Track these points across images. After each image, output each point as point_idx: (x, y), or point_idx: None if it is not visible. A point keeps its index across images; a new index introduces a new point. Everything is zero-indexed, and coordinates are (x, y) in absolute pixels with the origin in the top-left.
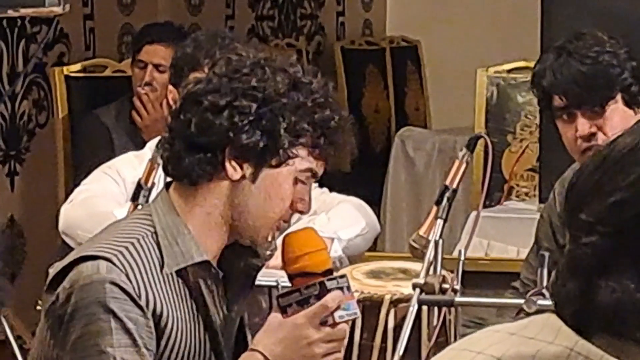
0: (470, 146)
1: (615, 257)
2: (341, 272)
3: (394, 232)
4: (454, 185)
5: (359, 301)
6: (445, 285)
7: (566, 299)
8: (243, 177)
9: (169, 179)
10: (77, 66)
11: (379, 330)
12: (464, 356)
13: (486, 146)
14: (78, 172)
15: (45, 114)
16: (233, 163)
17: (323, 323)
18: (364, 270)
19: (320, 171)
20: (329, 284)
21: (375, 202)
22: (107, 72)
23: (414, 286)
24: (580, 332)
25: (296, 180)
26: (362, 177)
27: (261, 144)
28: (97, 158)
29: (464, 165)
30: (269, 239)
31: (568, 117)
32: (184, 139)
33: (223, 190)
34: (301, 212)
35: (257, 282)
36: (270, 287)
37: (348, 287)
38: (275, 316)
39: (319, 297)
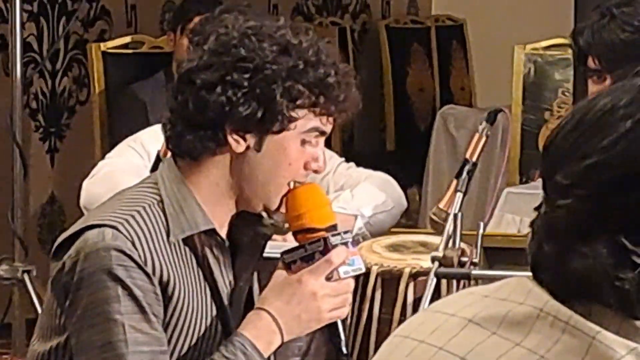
0: (490, 119)
1: (590, 221)
2: (362, 245)
3: None
4: (474, 159)
5: (378, 274)
6: (464, 259)
7: (542, 263)
8: (248, 147)
9: None
10: (115, 42)
11: (398, 303)
12: (437, 318)
13: (525, 121)
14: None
15: (86, 90)
16: (235, 136)
17: (328, 279)
18: (384, 243)
19: (327, 129)
20: (333, 240)
21: (418, 180)
22: (145, 48)
23: (433, 259)
24: (555, 295)
25: (303, 142)
26: (406, 155)
27: (259, 114)
28: (133, 133)
29: (483, 139)
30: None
31: (598, 78)
32: (183, 118)
33: (228, 162)
34: (316, 171)
35: (274, 255)
36: None
37: (353, 243)
38: (280, 273)
39: (323, 253)
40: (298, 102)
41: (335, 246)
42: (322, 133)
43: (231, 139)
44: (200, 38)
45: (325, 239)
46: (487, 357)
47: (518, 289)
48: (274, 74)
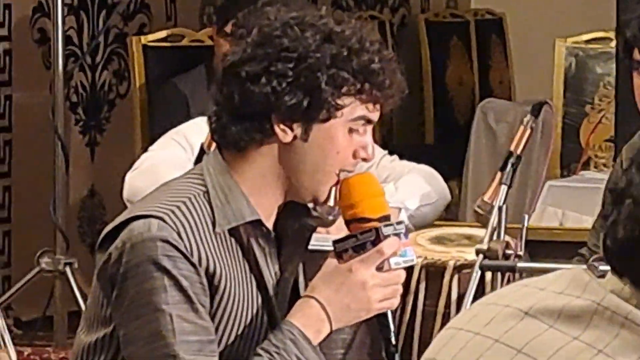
0: (535, 112)
1: None
2: None
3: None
4: (519, 152)
5: (422, 267)
6: (509, 251)
7: (635, 255)
8: (295, 137)
9: None
10: (155, 35)
11: (443, 296)
12: (491, 310)
13: (566, 114)
14: (155, 141)
15: (126, 84)
16: (282, 126)
17: (379, 269)
18: (428, 236)
19: (374, 116)
20: (385, 230)
21: (458, 174)
22: (185, 42)
23: (477, 252)
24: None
25: (351, 130)
26: (445, 149)
27: (305, 103)
28: (173, 126)
29: (528, 131)
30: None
31: None
32: (229, 110)
33: (275, 152)
34: (365, 160)
35: (320, 247)
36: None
37: (405, 234)
38: (330, 262)
39: (374, 243)
40: (343, 90)
41: (387, 237)
42: (369, 121)
43: (278, 129)
44: (244, 31)
45: (377, 229)
46: (544, 350)
47: (575, 282)
48: (318, 62)
